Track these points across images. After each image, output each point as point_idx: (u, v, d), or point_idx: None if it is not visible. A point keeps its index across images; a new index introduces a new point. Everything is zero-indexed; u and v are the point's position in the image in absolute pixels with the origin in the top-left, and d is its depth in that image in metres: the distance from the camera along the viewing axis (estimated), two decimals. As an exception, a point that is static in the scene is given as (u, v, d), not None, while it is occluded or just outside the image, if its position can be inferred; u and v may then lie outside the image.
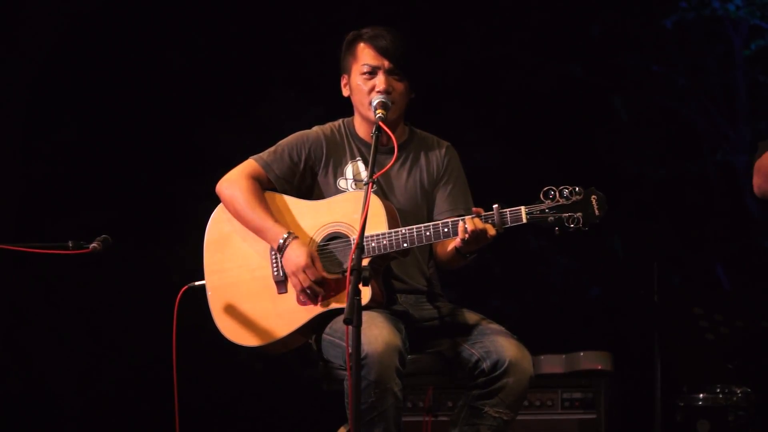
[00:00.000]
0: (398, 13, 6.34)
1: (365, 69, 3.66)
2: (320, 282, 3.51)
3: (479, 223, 3.35)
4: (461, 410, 3.52)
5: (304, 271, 3.50)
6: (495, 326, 3.57)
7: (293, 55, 6.74)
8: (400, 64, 3.65)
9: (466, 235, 3.35)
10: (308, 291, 3.52)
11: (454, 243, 3.43)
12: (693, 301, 4.91)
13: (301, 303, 3.57)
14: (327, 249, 3.59)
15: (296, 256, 3.51)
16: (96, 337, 6.27)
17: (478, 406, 3.47)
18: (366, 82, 3.66)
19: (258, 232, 3.64)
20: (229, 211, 3.70)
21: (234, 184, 3.69)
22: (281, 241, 3.56)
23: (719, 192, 6.99)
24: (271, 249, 3.63)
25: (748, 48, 6.95)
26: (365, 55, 3.67)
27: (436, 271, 3.81)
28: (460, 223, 3.37)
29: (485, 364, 3.46)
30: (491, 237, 3.36)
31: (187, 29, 6.57)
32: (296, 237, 3.56)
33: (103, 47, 6.39)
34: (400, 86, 3.67)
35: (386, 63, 3.65)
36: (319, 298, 3.54)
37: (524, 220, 3.35)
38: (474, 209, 3.42)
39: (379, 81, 3.64)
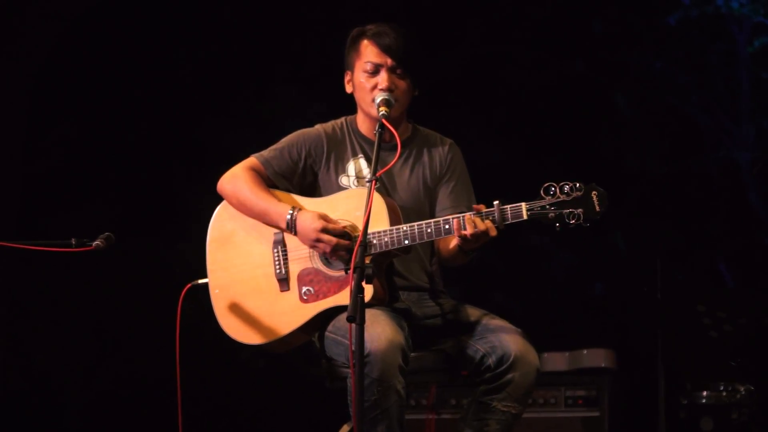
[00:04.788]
0: (400, 9, 6.33)
1: (368, 67, 3.66)
2: (343, 234, 3.50)
3: (479, 223, 3.34)
4: (470, 406, 3.53)
5: (324, 232, 3.50)
6: (499, 321, 3.58)
7: (295, 52, 6.74)
8: (403, 61, 3.65)
9: (465, 234, 3.35)
10: (338, 249, 3.51)
11: (455, 241, 3.43)
12: (696, 298, 4.91)
13: (305, 299, 3.57)
14: (329, 246, 3.59)
15: (309, 223, 3.52)
16: (99, 334, 6.27)
17: (486, 401, 3.48)
18: (369, 79, 3.66)
19: (263, 215, 3.64)
20: (232, 204, 3.71)
21: (235, 177, 3.71)
22: (288, 216, 3.57)
23: (722, 189, 6.98)
24: (274, 246, 3.63)
25: (751, 45, 6.94)
26: (368, 53, 3.67)
27: (439, 268, 3.81)
28: (458, 224, 3.36)
29: (491, 360, 3.46)
30: (492, 236, 3.36)
31: (189, 25, 6.56)
32: (301, 209, 3.56)
33: (104, 43, 6.38)
34: (402, 84, 3.67)
35: (389, 61, 3.65)
36: (317, 302, 3.54)
37: (525, 217, 3.35)
38: (475, 206, 3.42)
39: (382, 79, 3.64)
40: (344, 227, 3.52)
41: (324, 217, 3.53)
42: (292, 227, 3.57)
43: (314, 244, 3.53)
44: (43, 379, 6.18)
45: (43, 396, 6.15)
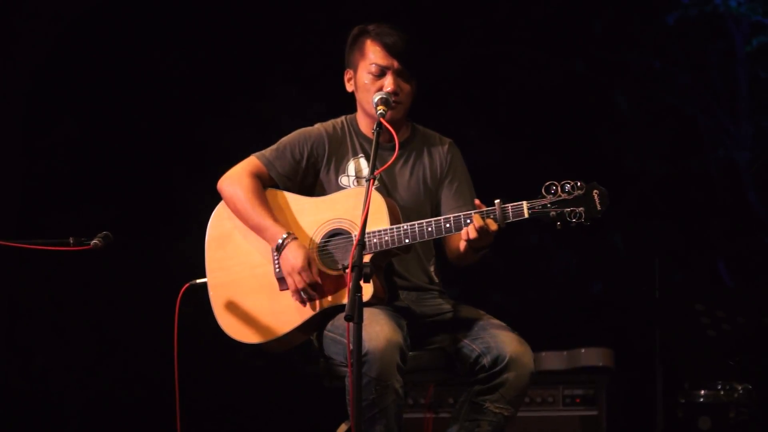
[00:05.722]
0: (400, 9, 6.33)
1: (374, 69, 3.66)
2: (314, 285, 3.51)
3: (479, 220, 3.35)
4: (462, 406, 3.53)
5: (299, 273, 3.50)
6: (496, 322, 3.58)
7: (295, 52, 6.74)
8: (409, 65, 3.65)
9: (469, 235, 3.36)
10: (302, 293, 3.53)
11: (462, 240, 3.43)
12: (694, 297, 4.91)
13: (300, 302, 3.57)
14: (328, 246, 3.59)
15: (293, 257, 3.51)
16: (97, 334, 6.27)
17: (479, 401, 3.48)
18: (374, 81, 3.66)
19: (257, 230, 3.64)
20: (230, 208, 3.70)
21: (235, 181, 3.69)
22: (280, 241, 3.56)
23: (721, 188, 6.99)
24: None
25: (749, 44, 6.94)
26: (374, 54, 3.66)
27: (437, 267, 3.81)
28: (464, 228, 3.37)
29: (486, 360, 3.46)
30: (494, 232, 3.37)
31: (189, 25, 6.56)
32: (295, 238, 3.56)
33: (103, 43, 6.39)
34: (407, 87, 3.67)
35: (395, 64, 3.64)
36: (315, 301, 3.54)
37: (526, 215, 3.36)
38: (476, 202, 3.43)
39: (388, 82, 3.64)
40: (318, 282, 3.52)
41: (310, 260, 3.52)
42: (279, 250, 3.57)
43: (287, 275, 3.54)
44: (41, 377, 6.18)
45: (41, 395, 6.15)
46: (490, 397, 3.46)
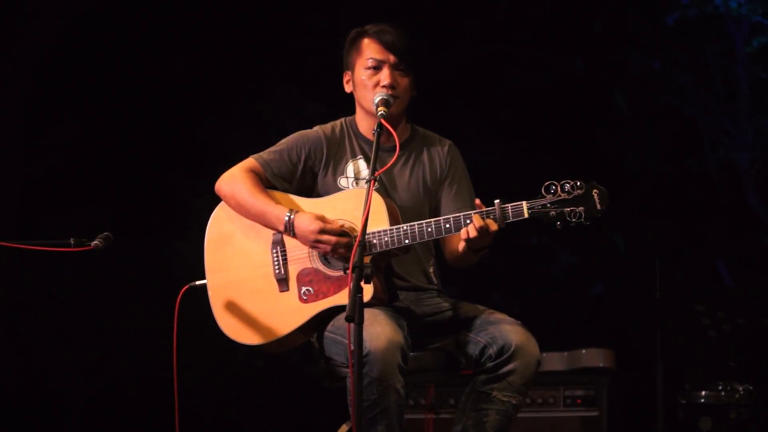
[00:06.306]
0: (400, 9, 6.34)
1: (370, 63, 3.66)
2: (343, 233, 3.50)
3: (479, 220, 3.35)
4: (468, 396, 3.52)
5: (322, 233, 3.50)
6: (498, 314, 3.58)
7: (295, 52, 6.74)
8: (405, 58, 3.65)
9: (468, 234, 3.36)
10: (338, 247, 3.51)
11: (462, 241, 3.43)
12: (695, 297, 4.91)
13: (304, 300, 3.56)
14: (329, 246, 3.59)
15: (306, 225, 3.51)
16: (97, 334, 6.27)
17: (486, 390, 3.47)
18: (371, 77, 3.66)
19: (261, 217, 3.63)
20: (230, 205, 3.70)
21: (233, 178, 3.69)
22: (286, 219, 3.56)
23: (721, 188, 6.99)
24: (272, 246, 3.63)
25: (749, 45, 6.96)
26: (370, 50, 3.66)
27: (437, 268, 3.81)
28: (463, 228, 3.37)
29: (492, 350, 3.46)
30: (493, 232, 3.37)
31: (189, 26, 6.56)
32: (297, 211, 3.56)
33: (103, 43, 6.39)
34: (404, 81, 3.67)
35: (391, 57, 3.65)
36: (319, 300, 3.54)
37: (526, 215, 3.36)
38: (476, 202, 3.43)
39: (384, 75, 3.64)
40: (342, 225, 3.52)
41: (321, 218, 3.52)
42: (290, 230, 3.57)
43: (314, 245, 3.53)
44: (41, 378, 6.18)
45: (41, 395, 6.15)
46: (497, 385, 3.45)
